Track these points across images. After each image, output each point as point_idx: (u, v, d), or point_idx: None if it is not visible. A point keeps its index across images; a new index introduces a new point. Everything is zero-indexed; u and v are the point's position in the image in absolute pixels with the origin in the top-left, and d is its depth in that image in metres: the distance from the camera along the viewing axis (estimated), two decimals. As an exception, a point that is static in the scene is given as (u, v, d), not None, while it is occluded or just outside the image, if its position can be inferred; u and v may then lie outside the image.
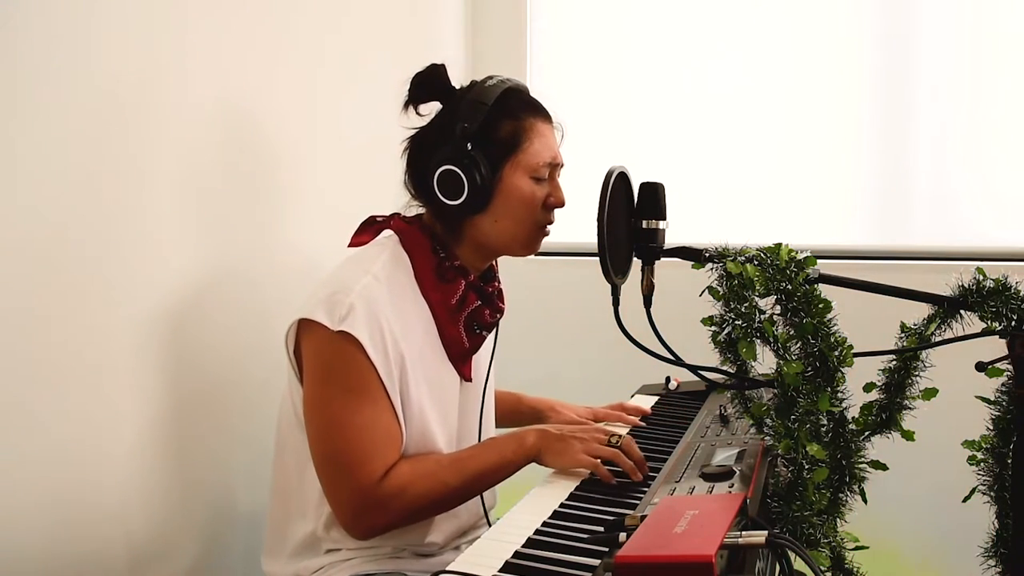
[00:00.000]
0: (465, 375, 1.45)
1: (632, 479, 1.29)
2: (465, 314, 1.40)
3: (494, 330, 1.53)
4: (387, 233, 1.42)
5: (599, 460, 1.31)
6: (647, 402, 1.79)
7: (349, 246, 1.45)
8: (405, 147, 1.44)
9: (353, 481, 1.27)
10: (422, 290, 1.38)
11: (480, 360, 1.50)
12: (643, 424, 1.62)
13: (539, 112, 1.42)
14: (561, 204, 1.42)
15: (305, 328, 1.31)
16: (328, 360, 1.29)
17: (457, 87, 1.42)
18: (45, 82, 1.23)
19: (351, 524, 1.30)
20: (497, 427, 1.61)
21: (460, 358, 1.43)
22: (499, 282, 1.51)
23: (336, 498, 1.30)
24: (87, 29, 1.29)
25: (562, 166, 1.44)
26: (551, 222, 1.43)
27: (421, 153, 1.40)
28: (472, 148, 1.34)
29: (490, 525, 1.33)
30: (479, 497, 1.46)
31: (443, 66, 1.42)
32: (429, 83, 1.41)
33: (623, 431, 1.59)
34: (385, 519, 1.30)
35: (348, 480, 1.28)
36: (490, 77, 1.41)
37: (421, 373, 1.36)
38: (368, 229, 1.46)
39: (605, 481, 1.29)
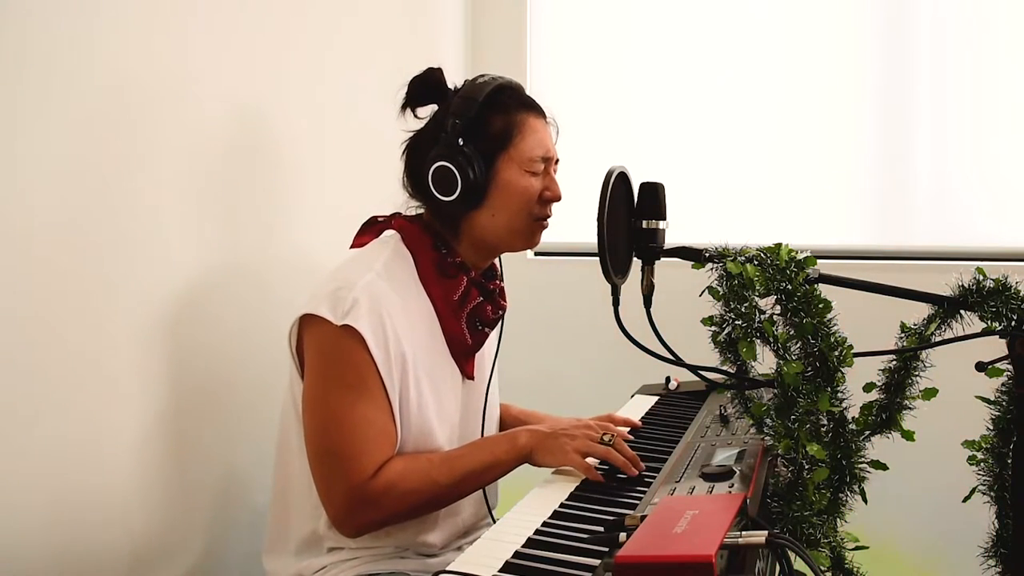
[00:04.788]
0: (468, 372, 1.45)
1: (628, 474, 1.29)
2: (467, 310, 1.40)
3: (497, 328, 1.53)
4: (389, 232, 1.43)
5: (591, 458, 1.31)
6: (647, 403, 1.79)
7: (351, 247, 1.46)
8: (403, 150, 1.45)
9: (345, 476, 1.28)
10: (424, 287, 1.39)
11: (483, 358, 1.50)
12: (631, 438, 1.61)
13: (531, 107, 1.43)
14: (557, 198, 1.43)
15: (308, 323, 1.31)
16: (329, 355, 1.30)
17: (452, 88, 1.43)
18: (49, 82, 1.23)
19: (341, 520, 1.31)
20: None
21: (463, 355, 1.43)
22: (501, 280, 1.52)
23: (328, 493, 1.31)
24: (91, 28, 1.29)
25: (557, 161, 1.45)
26: (548, 215, 1.44)
27: (416, 152, 1.42)
28: (464, 143, 1.35)
29: (494, 521, 1.33)
30: (483, 497, 1.46)
31: (440, 70, 1.43)
32: (426, 86, 1.42)
33: (637, 416, 1.58)
34: (375, 515, 1.30)
35: (340, 475, 1.28)
36: (481, 75, 1.42)
37: (423, 370, 1.36)
38: (369, 229, 1.47)
39: (596, 482, 1.29)
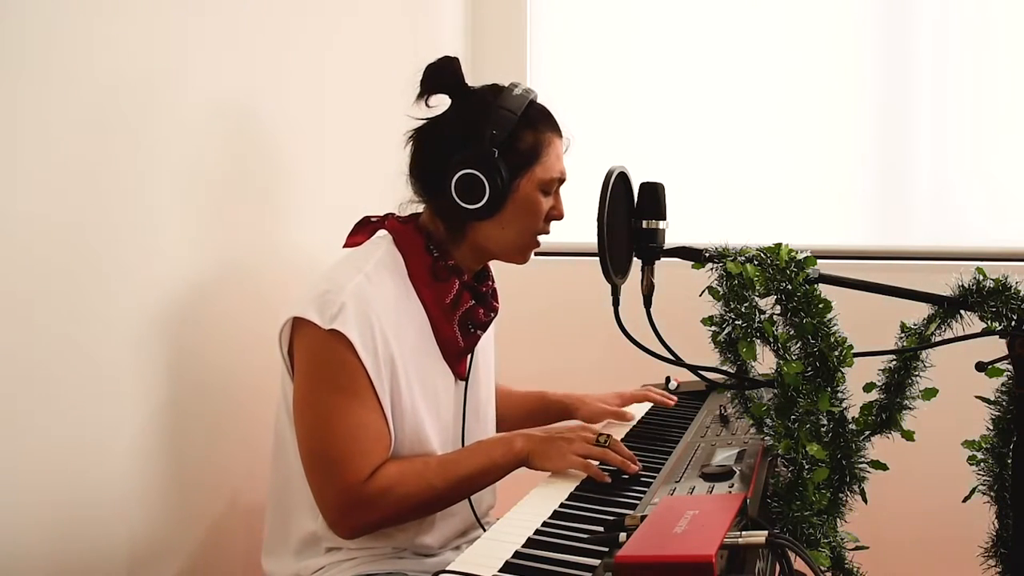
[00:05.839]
0: (460, 374, 1.45)
1: (627, 472, 1.30)
2: (459, 313, 1.40)
3: (489, 329, 1.52)
4: (381, 233, 1.43)
5: (590, 460, 1.31)
6: (647, 403, 1.79)
7: (344, 247, 1.45)
8: (410, 139, 1.43)
9: (339, 479, 1.28)
10: (416, 289, 1.38)
11: (476, 359, 1.50)
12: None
13: (555, 127, 1.44)
14: (561, 217, 1.45)
15: (297, 326, 1.31)
16: (318, 359, 1.30)
17: (472, 86, 1.42)
18: (47, 79, 1.23)
19: (337, 522, 1.31)
20: (524, 428, 1.60)
21: (455, 357, 1.43)
22: (493, 282, 1.52)
23: (322, 496, 1.31)
24: (89, 26, 1.29)
25: (565, 180, 1.45)
26: (547, 233, 1.45)
27: (436, 150, 1.39)
28: (497, 155, 1.34)
29: (484, 529, 1.33)
30: (470, 506, 1.46)
31: (456, 59, 1.42)
32: (441, 74, 1.41)
33: (637, 416, 1.59)
34: (370, 518, 1.30)
35: (334, 478, 1.28)
36: (515, 84, 1.41)
37: (414, 373, 1.36)
38: (362, 229, 1.46)
39: (599, 480, 1.29)
